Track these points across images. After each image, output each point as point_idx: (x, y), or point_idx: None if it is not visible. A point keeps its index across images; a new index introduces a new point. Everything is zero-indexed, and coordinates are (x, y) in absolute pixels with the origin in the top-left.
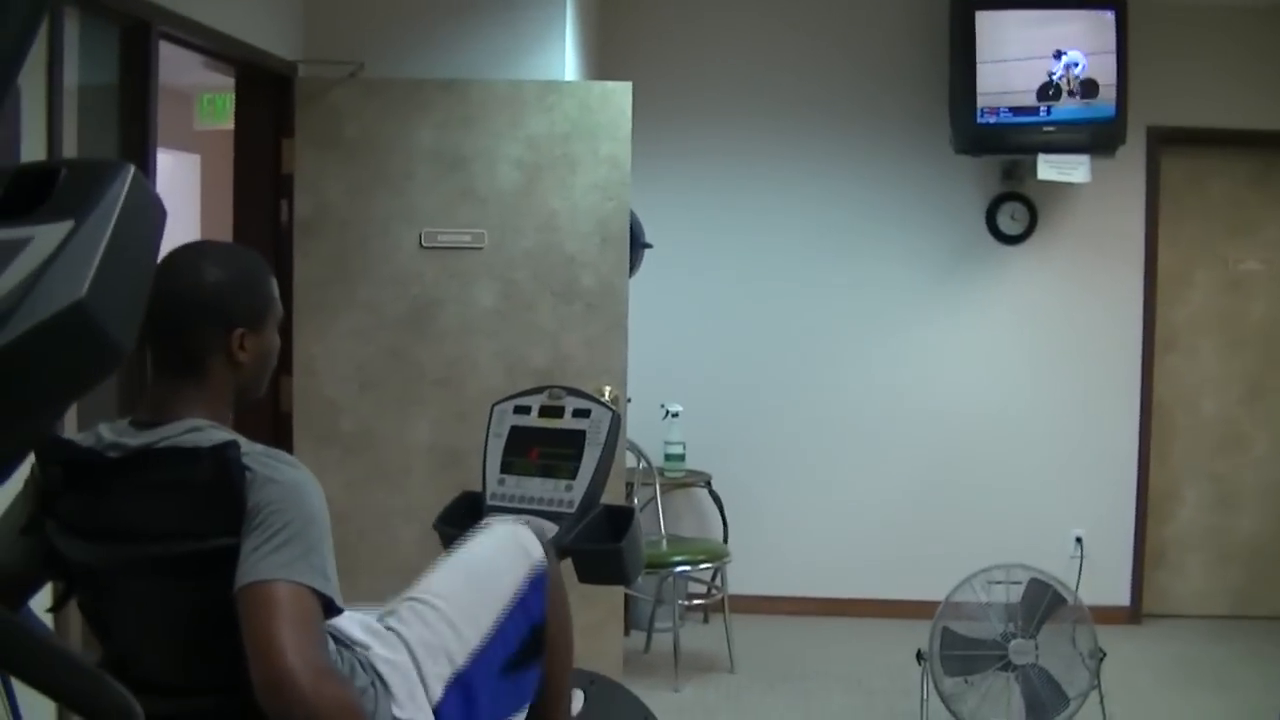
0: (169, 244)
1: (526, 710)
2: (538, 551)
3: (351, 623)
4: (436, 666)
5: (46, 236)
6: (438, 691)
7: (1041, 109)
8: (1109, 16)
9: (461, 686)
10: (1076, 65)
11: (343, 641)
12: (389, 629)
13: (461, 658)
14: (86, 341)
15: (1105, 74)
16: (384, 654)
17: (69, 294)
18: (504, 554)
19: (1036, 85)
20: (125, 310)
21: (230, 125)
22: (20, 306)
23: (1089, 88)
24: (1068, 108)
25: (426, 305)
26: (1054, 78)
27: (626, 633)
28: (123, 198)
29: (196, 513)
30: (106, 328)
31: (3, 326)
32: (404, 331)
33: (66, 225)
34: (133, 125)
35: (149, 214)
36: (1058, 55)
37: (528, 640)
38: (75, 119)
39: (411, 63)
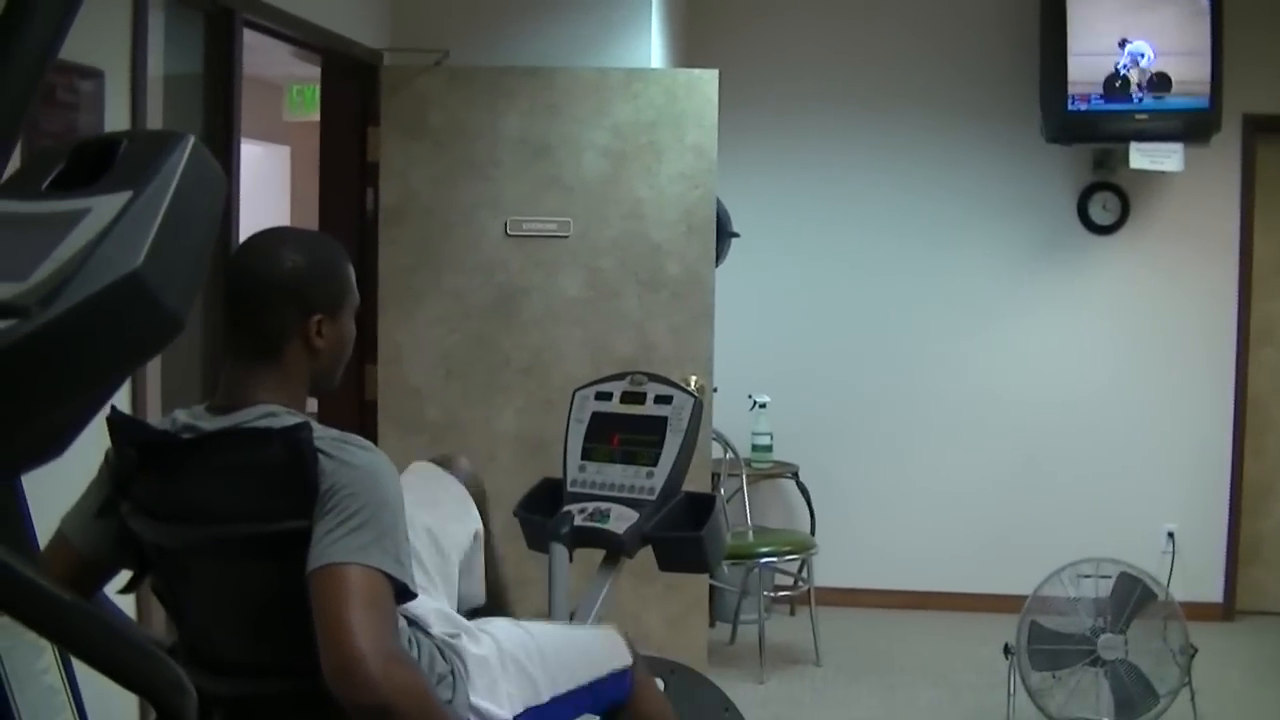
0: (250, 235)
1: None
2: (628, 656)
3: (429, 612)
4: (518, 687)
5: (104, 207)
6: (508, 710)
7: (1135, 96)
8: (1203, 1)
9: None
10: (1143, 56)
11: (419, 627)
12: (483, 631)
13: (545, 693)
14: (142, 311)
15: (1199, 61)
16: (473, 649)
17: (125, 264)
18: (601, 639)
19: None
20: (182, 280)
21: (319, 116)
22: (77, 275)
23: (1160, 81)
24: (1159, 95)
25: (512, 293)
26: (1120, 69)
27: (712, 624)
28: (181, 168)
29: (268, 495)
30: (162, 298)
31: (59, 295)
32: (489, 319)
33: (124, 196)
34: (217, 113)
35: (209, 185)
36: (1122, 45)
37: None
38: (160, 108)
39: (497, 50)
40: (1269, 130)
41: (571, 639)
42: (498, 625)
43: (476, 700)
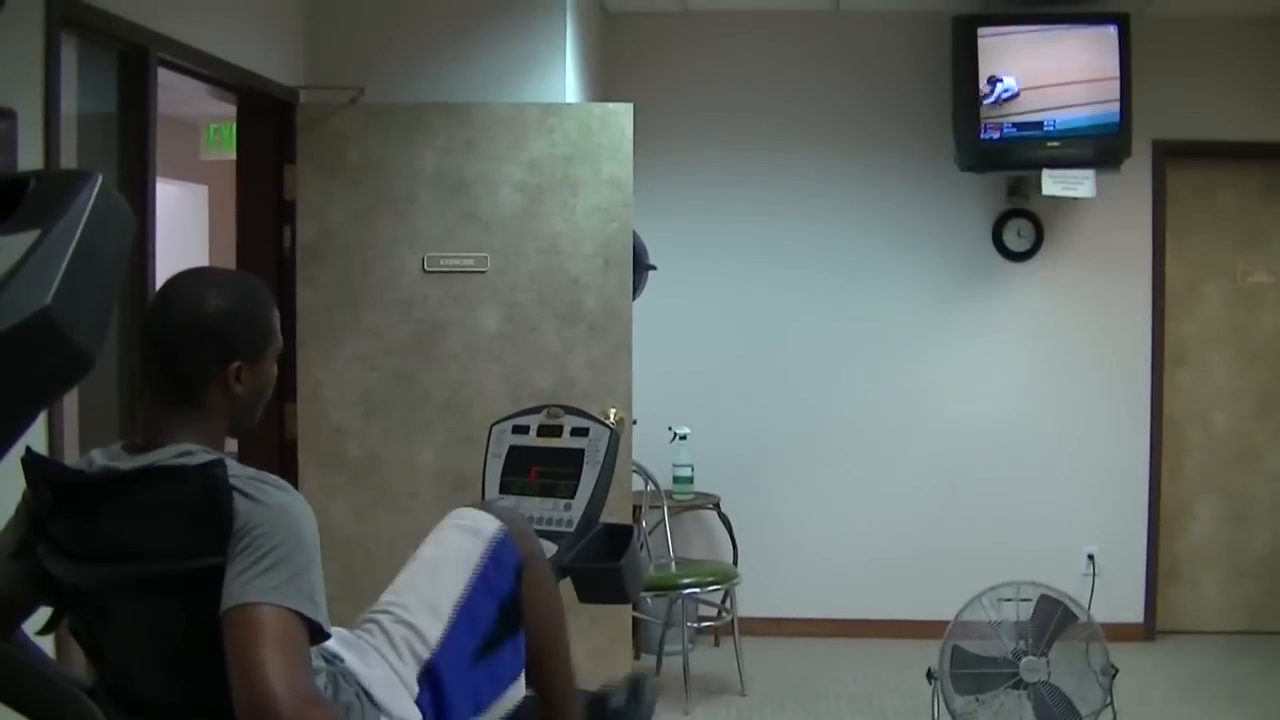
0: (174, 274)
1: (514, 690)
2: (490, 526)
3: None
4: (407, 666)
5: (12, 246)
6: (415, 689)
7: (1046, 123)
8: (1111, 31)
9: (430, 677)
10: (1008, 90)
11: (327, 657)
12: (360, 640)
13: (427, 650)
14: (52, 348)
15: (1108, 89)
16: (360, 667)
17: (34, 301)
18: (454, 539)
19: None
20: (92, 317)
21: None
22: None
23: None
24: (1072, 120)
25: (431, 329)
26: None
27: (636, 656)
28: (89, 207)
29: (184, 532)
30: (71, 334)
31: None
32: (409, 356)
33: (33, 235)
34: (132, 153)
35: (117, 223)
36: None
37: (497, 618)
38: (74, 147)
39: (412, 87)
40: (1178, 155)
41: (423, 573)
42: (368, 625)
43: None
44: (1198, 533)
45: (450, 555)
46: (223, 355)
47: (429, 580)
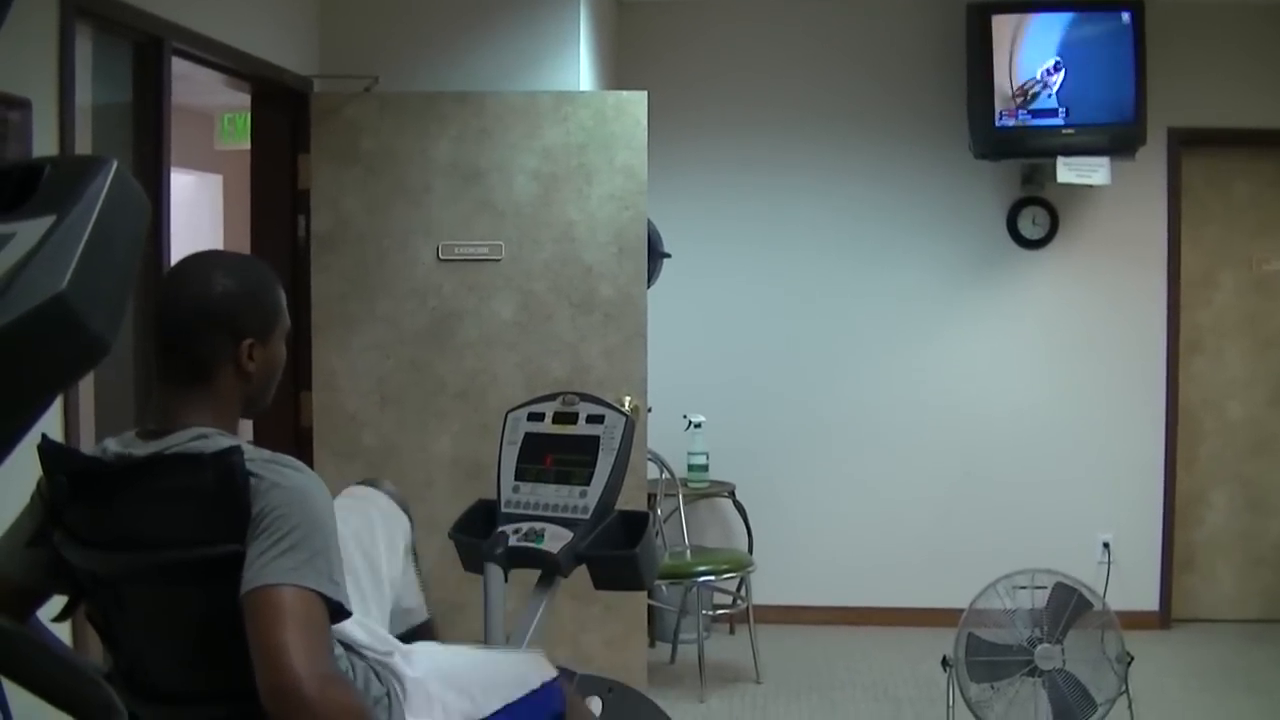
0: (180, 259)
1: None
2: (552, 670)
3: (361, 633)
4: (456, 706)
5: (28, 232)
6: None
7: (1060, 111)
8: (1126, 18)
9: None
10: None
11: (354, 650)
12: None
13: (482, 709)
14: (68, 334)
15: (1122, 77)
16: (408, 670)
17: (50, 287)
18: (525, 658)
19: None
20: (108, 303)
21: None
22: (1, 300)
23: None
24: (1085, 109)
25: (445, 318)
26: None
27: (652, 644)
28: (104, 192)
29: (201, 519)
30: (88, 320)
31: None
32: (424, 345)
33: (48, 220)
34: (146, 142)
35: (132, 209)
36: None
37: None
38: (89, 137)
39: (426, 76)
40: (1193, 143)
41: (497, 659)
42: (429, 647)
43: (413, 718)
44: (1213, 521)
45: (518, 667)
46: (234, 334)
47: (496, 668)
